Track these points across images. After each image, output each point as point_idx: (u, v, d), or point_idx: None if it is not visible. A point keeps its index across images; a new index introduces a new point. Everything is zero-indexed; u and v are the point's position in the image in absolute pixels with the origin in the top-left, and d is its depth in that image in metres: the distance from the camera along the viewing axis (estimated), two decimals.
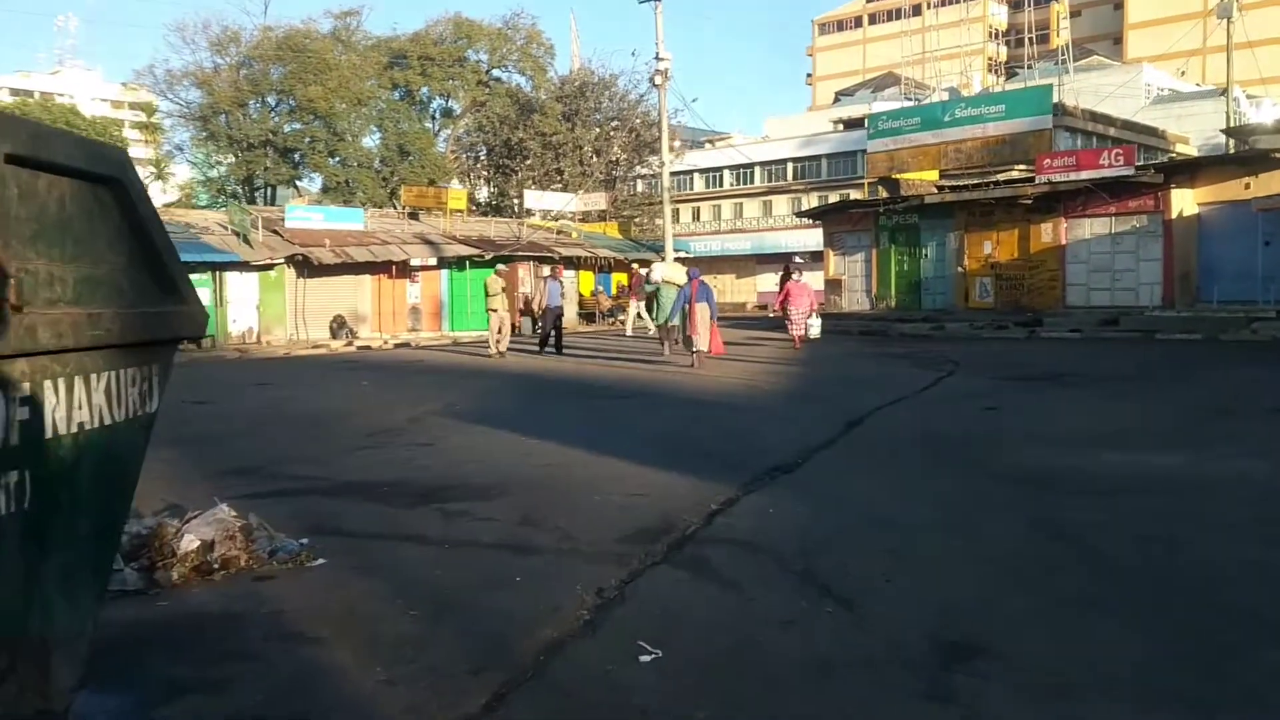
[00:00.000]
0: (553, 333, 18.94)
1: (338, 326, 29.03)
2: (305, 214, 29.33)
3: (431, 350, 22.30)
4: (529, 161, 43.56)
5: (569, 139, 43.31)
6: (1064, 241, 24.16)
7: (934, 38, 61.00)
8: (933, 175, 29.50)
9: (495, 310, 18.56)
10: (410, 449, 8.17)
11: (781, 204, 60.56)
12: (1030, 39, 59.02)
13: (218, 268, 25.95)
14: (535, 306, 19.32)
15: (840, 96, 76.20)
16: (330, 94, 40.00)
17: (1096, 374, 13.69)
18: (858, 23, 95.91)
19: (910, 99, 54.42)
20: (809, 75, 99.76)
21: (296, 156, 42.38)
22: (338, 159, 41.01)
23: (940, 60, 58.53)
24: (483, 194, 47.87)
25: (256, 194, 43.58)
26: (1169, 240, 22.38)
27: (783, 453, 7.49)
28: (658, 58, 32.94)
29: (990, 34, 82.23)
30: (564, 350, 18.93)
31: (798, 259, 24.13)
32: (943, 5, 63.99)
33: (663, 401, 11.45)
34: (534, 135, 42.80)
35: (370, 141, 44.17)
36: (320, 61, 40.97)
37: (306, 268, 27.85)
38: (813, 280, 54.84)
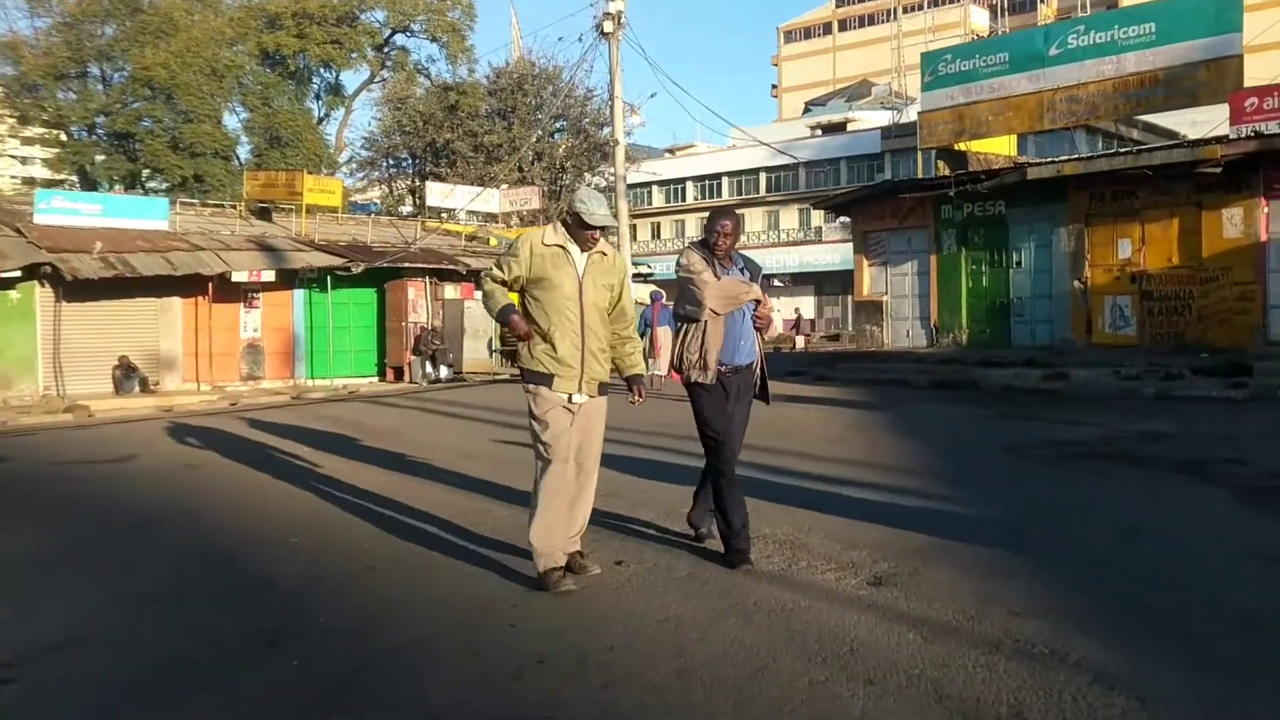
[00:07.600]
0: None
1: (124, 375, 19.09)
2: (69, 204, 19.36)
3: (235, 425, 12.24)
4: (458, 166, 34.49)
5: (504, 139, 34.28)
6: (1264, 236, 15.00)
7: (913, 44, 52.86)
8: (1001, 147, 20.44)
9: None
10: None
11: (756, 218, 51.91)
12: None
13: None
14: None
15: (811, 106, 69.85)
16: (175, 60, 30.02)
17: None
18: (827, 29, 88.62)
19: (891, 108, 46.02)
20: (774, 86, 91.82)
21: (136, 146, 32.21)
22: (185, 149, 30.79)
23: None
24: (407, 207, 38.45)
25: None
26: None
27: None
28: None
29: (973, 38, 74.98)
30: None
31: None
32: (920, 9, 56.14)
33: None
34: (463, 135, 33.75)
35: (233, 123, 34.16)
36: (165, 21, 31.10)
37: (67, 285, 17.97)
38: (790, 306, 45.58)
